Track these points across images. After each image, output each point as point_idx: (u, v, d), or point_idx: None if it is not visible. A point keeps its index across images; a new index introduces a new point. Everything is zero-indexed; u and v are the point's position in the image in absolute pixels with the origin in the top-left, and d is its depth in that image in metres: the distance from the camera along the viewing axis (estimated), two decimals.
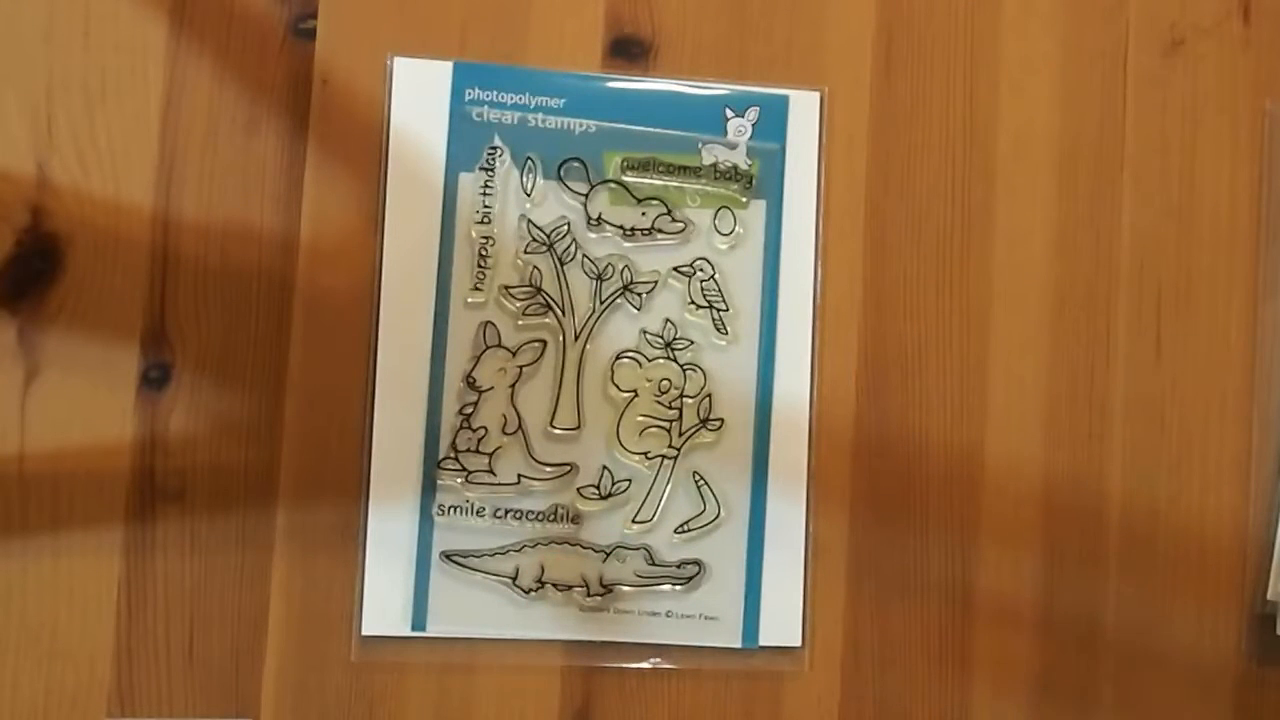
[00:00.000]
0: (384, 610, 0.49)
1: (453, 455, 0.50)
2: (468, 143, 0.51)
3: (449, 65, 0.51)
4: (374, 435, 0.50)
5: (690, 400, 0.51)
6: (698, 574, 0.51)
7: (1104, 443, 0.54)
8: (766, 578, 0.51)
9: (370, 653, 0.49)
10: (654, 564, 0.51)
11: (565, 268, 0.51)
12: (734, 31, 0.53)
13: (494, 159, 0.51)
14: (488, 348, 0.50)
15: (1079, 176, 0.55)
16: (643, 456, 0.51)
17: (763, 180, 0.52)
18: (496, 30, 0.52)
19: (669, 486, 0.51)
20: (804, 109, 0.53)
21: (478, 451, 0.50)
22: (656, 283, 0.52)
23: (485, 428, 0.50)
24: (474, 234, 0.51)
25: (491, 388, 0.50)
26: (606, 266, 0.51)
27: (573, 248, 0.51)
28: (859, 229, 0.53)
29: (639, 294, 0.52)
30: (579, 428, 0.51)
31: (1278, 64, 0.56)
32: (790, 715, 0.51)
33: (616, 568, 0.51)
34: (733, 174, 0.52)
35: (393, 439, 0.50)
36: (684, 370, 0.51)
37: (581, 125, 0.52)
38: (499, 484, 0.50)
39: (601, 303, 0.51)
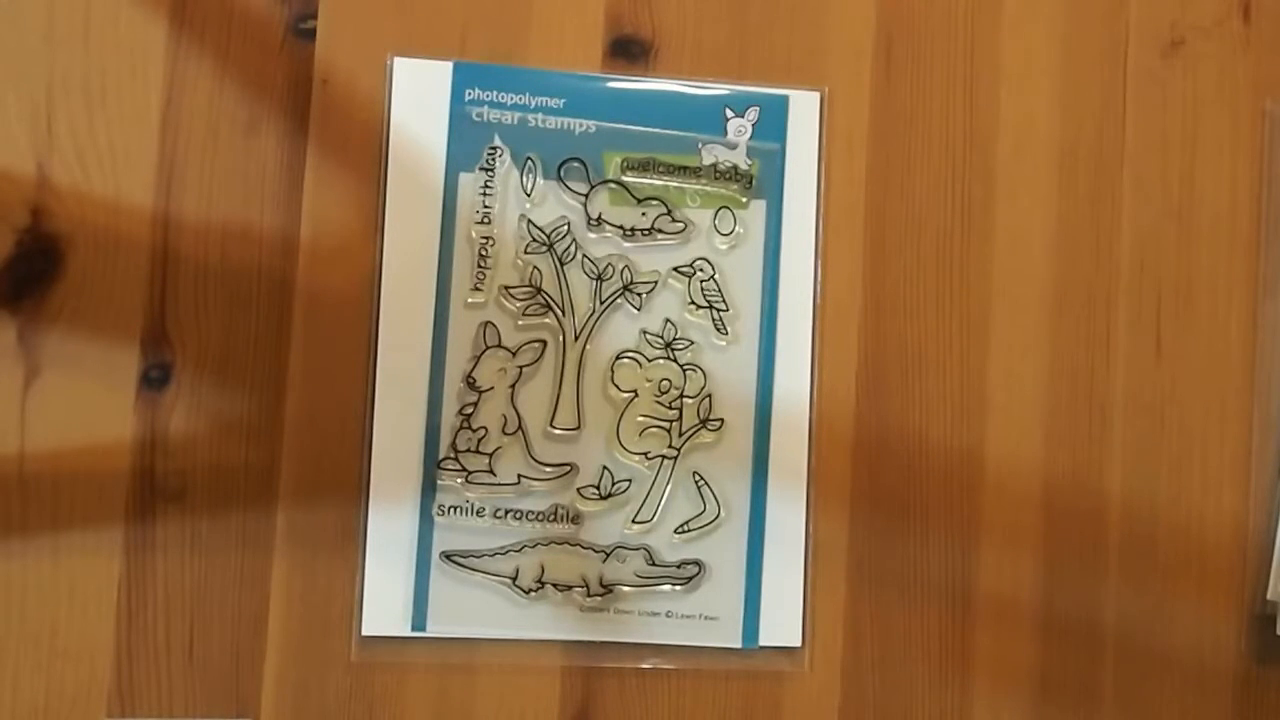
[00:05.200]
0: (384, 610, 0.49)
1: (453, 455, 0.50)
2: (468, 143, 0.51)
3: (449, 65, 0.51)
4: (374, 435, 0.50)
5: (690, 400, 0.51)
6: (698, 574, 0.51)
7: (1104, 443, 0.54)
8: (766, 578, 0.51)
9: (370, 653, 0.49)
10: (654, 564, 0.51)
11: (565, 268, 0.51)
12: (734, 31, 0.53)
13: (494, 159, 0.51)
14: (488, 348, 0.51)
15: (1079, 176, 0.55)
16: (643, 456, 0.51)
17: (763, 180, 0.52)
18: (496, 30, 0.52)
19: (669, 486, 0.51)
20: (804, 109, 0.53)
21: (478, 451, 0.50)
22: (656, 283, 0.52)
23: (485, 428, 0.50)
24: (474, 234, 0.51)
25: (491, 388, 0.50)
26: (606, 266, 0.51)
27: (573, 248, 0.51)
28: (859, 229, 0.53)
29: (639, 294, 0.52)
30: (579, 428, 0.51)
31: (1278, 64, 0.56)
32: (790, 715, 0.51)
33: (616, 568, 0.51)
34: (733, 174, 0.52)
35: (393, 439, 0.50)
36: (684, 370, 0.51)
37: (581, 125, 0.52)
38: (499, 484, 0.50)
39: (601, 303, 0.51)
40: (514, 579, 0.50)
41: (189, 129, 0.50)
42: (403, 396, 0.50)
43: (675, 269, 0.52)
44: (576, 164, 0.52)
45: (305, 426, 0.50)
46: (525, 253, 0.51)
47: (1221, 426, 0.54)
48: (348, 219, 0.51)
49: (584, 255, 0.51)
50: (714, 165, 0.52)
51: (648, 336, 0.51)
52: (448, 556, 0.50)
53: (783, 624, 0.51)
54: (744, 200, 0.52)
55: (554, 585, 0.50)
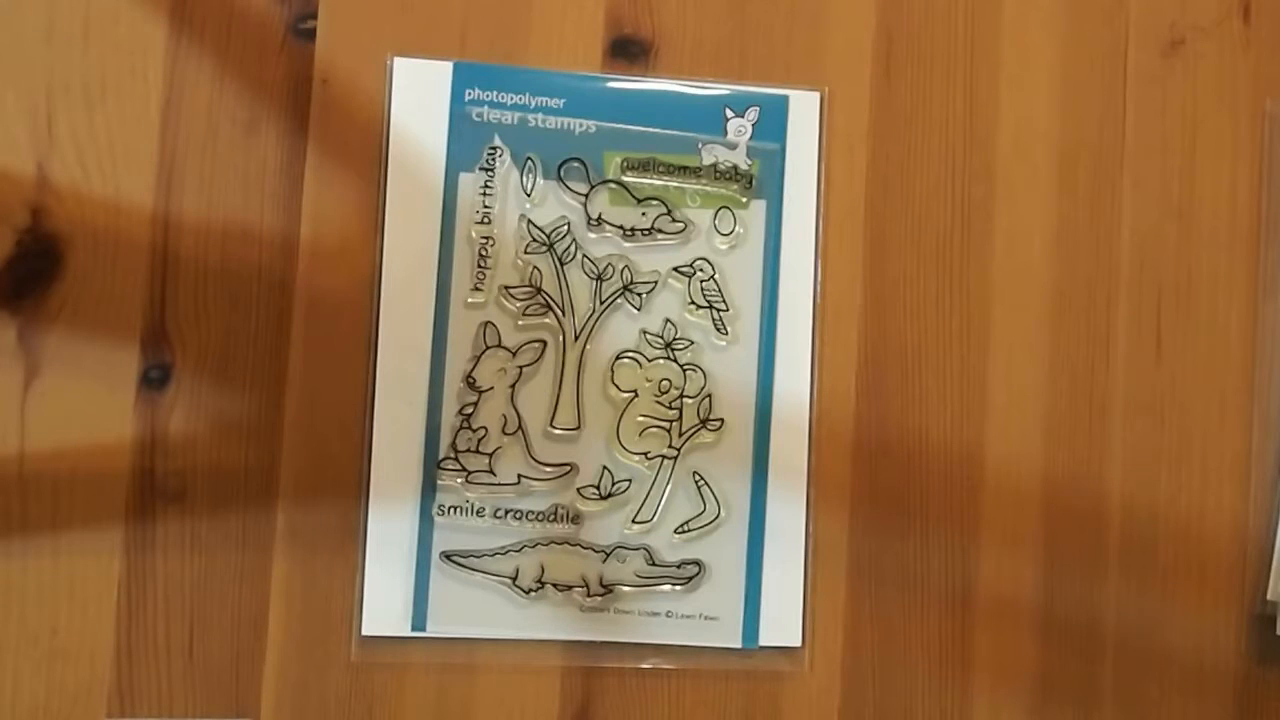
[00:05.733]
0: (384, 610, 0.49)
1: (453, 455, 0.50)
2: (468, 143, 0.51)
3: (449, 65, 0.51)
4: (374, 435, 0.50)
5: (690, 400, 0.51)
6: (698, 574, 0.51)
7: (1104, 443, 0.54)
8: (766, 578, 0.51)
9: (370, 653, 0.49)
10: (654, 564, 0.51)
11: (565, 268, 0.51)
12: (734, 31, 0.53)
13: (494, 159, 0.51)
14: (488, 348, 0.51)
15: (1079, 176, 0.55)
16: (643, 456, 0.51)
17: (763, 180, 0.52)
18: (496, 30, 0.52)
19: (669, 486, 0.51)
20: (804, 109, 0.53)
21: (478, 452, 0.50)
22: (656, 283, 0.52)
23: (485, 428, 0.50)
24: (474, 234, 0.51)
25: (491, 388, 0.50)
26: (606, 266, 0.51)
27: (573, 248, 0.51)
28: (859, 229, 0.53)
29: (639, 294, 0.52)
30: (579, 428, 0.51)
31: (1278, 64, 0.56)
32: (790, 715, 0.51)
33: (616, 568, 0.51)
34: (733, 174, 0.52)
35: (393, 439, 0.50)
36: (684, 370, 0.51)
37: (581, 125, 0.52)
38: (499, 484, 0.50)
39: (601, 303, 0.51)
40: (514, 579, 0.50)
41: (189, 129, 0.50)
42: (403, 396, 0.50)
43: (675, 269, 0.52)
44: (576, 164, 0.52)
45: (305, 426, 0.50)
46: (525, 253, 0.51)
47: (1221, 426, 0.54)
48: (348, 219, 0.51)
49: (584, 255, 0.51)
50: (714, 165, 0.52)
51: (648, 336, 0.51)
52: (448, 556, 0.50)
53: (783, 624, 0.51)
54: (744, 200, 0.52)
55: (554, 585, 0.50)
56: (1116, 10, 0.55)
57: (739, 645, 0.51)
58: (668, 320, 0.52)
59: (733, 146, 0.52)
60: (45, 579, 0.48)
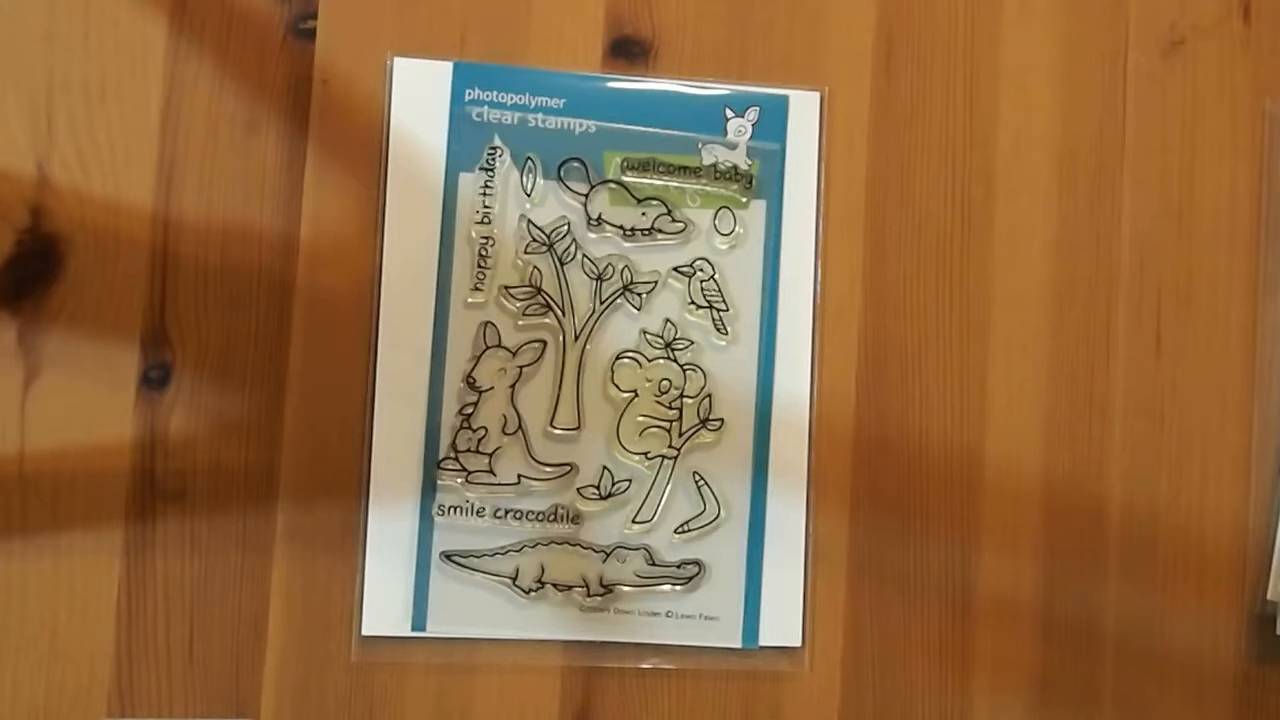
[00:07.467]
0: (384, 610, 0.49)
1: (453, 455, 0.50)
2: (468, 143, 0.51)
3: (449, 65, 0.51)
4: (374, 435, 0.50)
5: (690, 400, 0.51)
6: (698, 574, 0.51)
7: (1104, 443, 0.54)
8: (766, 578, 0.51)
9: (370, 653, 0.49)
10: (654, 564, 0.51)
11: (565, 268, 0.51)
12: (734, 31, 0.53)
13: (494, 159, 0.51)
14: (488, 348, 0.51)
15: (1079, 176, 0.55)
16: (643, 456, 0.51)
17: (763, 180, 0.52)
18: (496, 30, 0.52)
19: (669, 486, 0.51)
20: (804, 109, 0.53)
21: (478, 452, 0.50)
22: (656, 283, 0.52)
23: (485, 428, 0.50)
24: (474, 234, 0.51)
25: (491, 388, 0.50)
26: (606, 266, 0.51)
27: (573, 248, 0.51)
28: (859, 229, 0.53)
29: (639, 294, 0.52)
30: (579, 428, 0.51)
31: (1278, 64, 0.56)
32: (790, 715, 0.51)
33: (616, 568, 0.51)
34: (733, 174, 0.52)
35: (393, 439, 0.50)
36: (684, 370, 0.51)
37: (581, 125, 0.52)
38: (499, 484, 0.50)
39: (601, 303, 0.51)
40: (514, 579, 0.50)
41: (189, 129, 0.50)
42: (403, 396, 0.50)
43: (675, 269, 0.52)
44: (576, 164, 0.52)
45: (305, 426, 0.50)
46: (525, 253, 0.51)
47: (1221, 426, 0.54)
48: (348, 219, 0.51)
49: (584, 255, 0.51)
50: (714, 165, 0.52)
51: (648, 336, 0.52)
52: (448, 556, 0.50)
53: (783, 624, 0.51)
54: (744, 200, 0.52)
55: (554, 585, 0.50)
56: (1116, 10, 0.55)
57: (739, 645, 0.51)
58: (668, 320, 0.52)
59: (733, 146, 0.52)
60: (45, 579, 0.48)
